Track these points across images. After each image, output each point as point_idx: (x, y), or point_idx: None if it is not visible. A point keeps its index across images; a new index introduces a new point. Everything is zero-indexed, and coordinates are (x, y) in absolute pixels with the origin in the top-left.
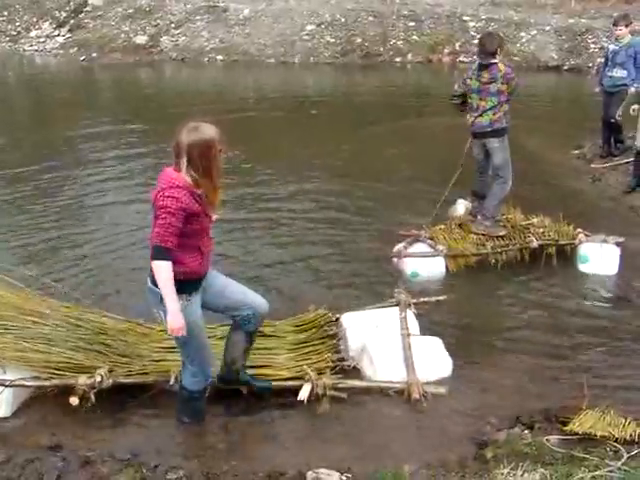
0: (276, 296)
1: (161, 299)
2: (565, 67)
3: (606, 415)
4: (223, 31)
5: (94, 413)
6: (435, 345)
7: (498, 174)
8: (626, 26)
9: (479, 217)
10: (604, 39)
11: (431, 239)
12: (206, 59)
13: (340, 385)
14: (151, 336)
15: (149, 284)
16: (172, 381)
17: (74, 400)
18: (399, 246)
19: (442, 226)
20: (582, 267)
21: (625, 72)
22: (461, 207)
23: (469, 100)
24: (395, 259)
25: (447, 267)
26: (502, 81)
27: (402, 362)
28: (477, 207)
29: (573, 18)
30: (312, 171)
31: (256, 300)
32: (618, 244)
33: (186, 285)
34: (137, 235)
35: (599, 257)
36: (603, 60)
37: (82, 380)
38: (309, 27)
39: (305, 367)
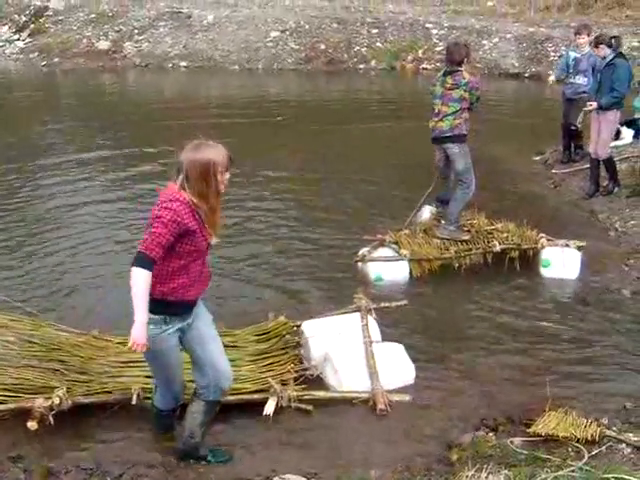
0: (235, 302)
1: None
2: (526, 74)
3: (568, 416)
4: (187, 37)
5: (56, 425)
6: (397, 352)
7: (460, 179)
8: (587, 35)
9: (443, 222)
10: (563, 47)
11: (395, 244)
12: (170, 65)
13: (305, 397)
14: (108, 349)
15: None
16: (134, 400)
17: (32, 425)
18: (363, 250)
19: (407, 231)
20: (544, 271)
21: (586, 80)
22: (426, 213)
23: (432, 106)
24: (359, 263)
25: (411, 271)
26: (465, 89)
27: (366, 371)
28: (442, 212)
29: (533, 27)
30: (279, 174)
31: (225, 373)
32: (579, 248)
33: (165, 306)
34: (88, 236)
35: (560, 261)
36: (562, 64)
37: (39, 402)
38: (273, 34)
39: (270, 379)
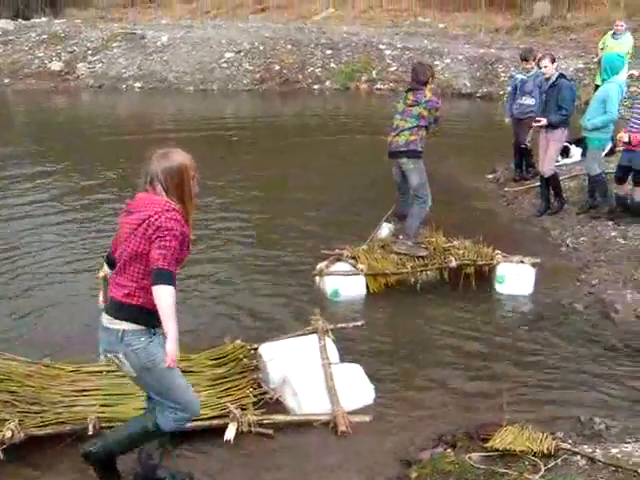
0: (190, 325)
1: (121, 339)
2: (478, 94)
3: (524, 431)
4: (141, 58)
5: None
6: (356, 372)
7: (417, 195)
8: (533, 59)
9: (401, 237)
10: (512, 68)
11: (353, 258)
12: (124, 86)
13: (265, 421)
14: (61, 378)
15: (105, 323)
16: (91, 429)
17: None
18: (321, 265)
19: (365, 246)
20: (499, 287)
21: (533, 100)
22: (385, 230)
23: (392, 122)
24: (317, 278)
25: (368, 286)
26: (425, 106)
27: (325, 393)
28: (400, 228)
29: (483, 48)
30: (234, 194)
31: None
32: (534, 265)
33: (151, 316)
34: (39, 257)
35: (515, 277)
36: (511, 89)
37: None
38: (228, 55)
39: (228, 405)
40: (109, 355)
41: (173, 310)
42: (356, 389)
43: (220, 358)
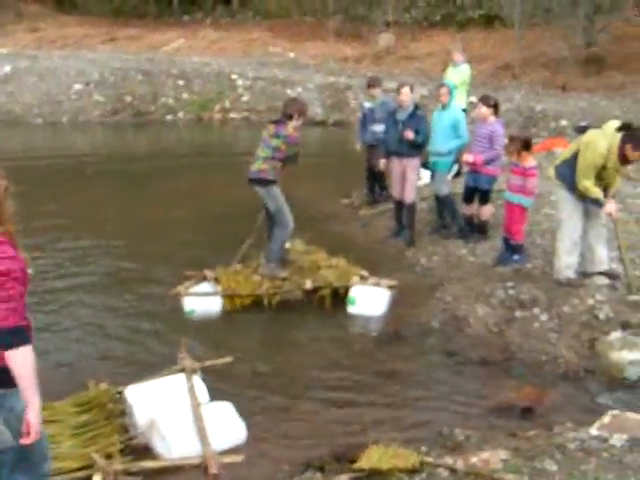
0: (53, 368)
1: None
2: (330, 121)
3: (389, 449)
4: None
5: None
6: (226, 411)
7: (277, 220)
8: (379, 87)
9: (264, 260)
10: (361, 96)
11: (216, 279)
12: None
13: (134, 469)
14: None
15: None
16: None
17: None
18: (183, 285)
19: (232, 268)
20: (351, 308)
21: (382, 126)
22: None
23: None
24: (181, 298)
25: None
26: (283, 140)
27: (195, 435)
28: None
29: (333, 77)
30: (84, 230)
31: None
32: (390, 287)
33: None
34: None
35: (365, 299)
36: (360, 117)
37: None
38: (77, 86)
39: (93, 454)
40: None
41: (33, 375)
42: (227, 428)
43: (84, 404)
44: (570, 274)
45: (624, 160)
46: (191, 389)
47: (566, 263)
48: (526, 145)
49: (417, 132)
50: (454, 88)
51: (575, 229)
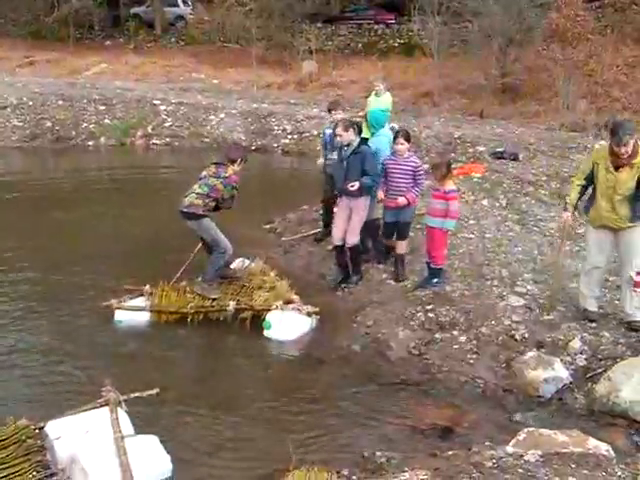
0: None
1: None
2: (253, 147)
3: (311, 473)
4: None
5: None
6: (151, 444)
7: (214, 248)
8: (342, 111)
9: (200, 279)
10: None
11: (151, 294)
12: None
13: None
14: None
15: None
16: None
17: None
18: (114, 300)
19: (169, 285)
20: (266, 332)
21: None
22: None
23: None
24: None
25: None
26: (222, 181)
27: (118, 469)
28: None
29: (256, 103)
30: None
31: None
32: (309, 314)
33: None
34: None
35: (279, 323)
36: (322, 143)
37: None
38: None
39: None
40: None
41: None
42: (151, 462)
43: (0, 441)
44: (586, 305)
45: (615, 159)
46: (115, 422)
47: (582, 294)
48: (449, 169)
49: (364, 172)
50: (386, 111)
51: (590, 261)
